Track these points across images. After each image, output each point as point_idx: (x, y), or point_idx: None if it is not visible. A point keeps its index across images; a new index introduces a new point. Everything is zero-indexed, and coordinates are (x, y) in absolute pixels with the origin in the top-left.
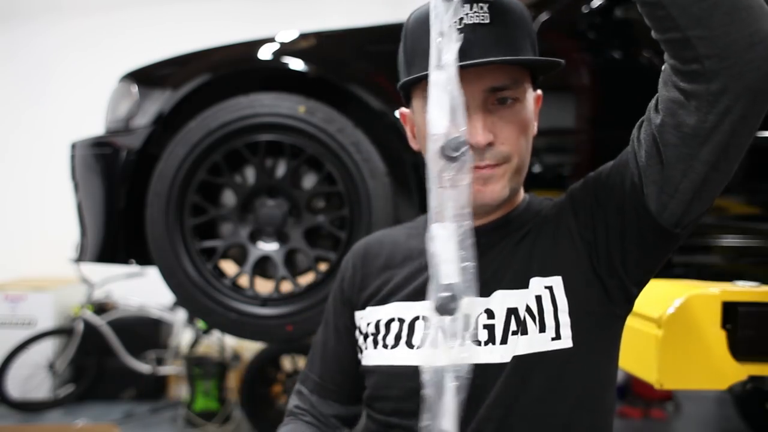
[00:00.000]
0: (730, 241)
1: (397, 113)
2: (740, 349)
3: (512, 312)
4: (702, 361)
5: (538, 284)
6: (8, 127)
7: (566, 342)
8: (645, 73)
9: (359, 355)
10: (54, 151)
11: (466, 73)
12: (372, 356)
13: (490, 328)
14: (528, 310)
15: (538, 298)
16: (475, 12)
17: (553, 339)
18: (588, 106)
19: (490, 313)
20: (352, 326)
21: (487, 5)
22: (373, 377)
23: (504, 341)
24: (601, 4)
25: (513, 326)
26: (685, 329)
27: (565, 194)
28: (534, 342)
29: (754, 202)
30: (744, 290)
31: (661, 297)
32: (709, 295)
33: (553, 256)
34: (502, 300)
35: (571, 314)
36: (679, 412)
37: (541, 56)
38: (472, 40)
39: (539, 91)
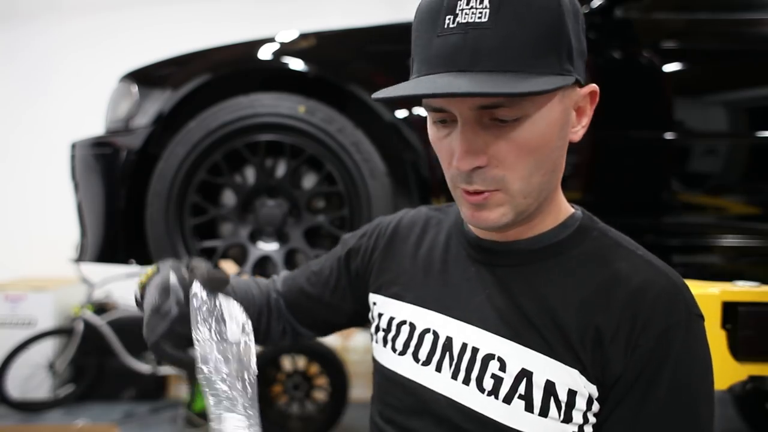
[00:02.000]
0: (730, 241)
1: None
2: (740, 349)
3: (526, 375)
4: None
5: (579, 380)
6: (8, 127)
7: None
8: (645, 73)
9: (372, 345)
10: (54, 151)
11: None
12: (380, 353)
13: (497, 380)
14: (552, 394)
15: (572, 393)
16: (471, 7)
17: None
18: None
19: (502, 363)
20: (364, 297)
21: None
22: (378, 375)
23: (507, 401)
24: (601, 4)
25: (521, 390)
26: None
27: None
28: (553, 429)
29: (754, 202)
30: (744, 290)
31: None
32: (709, 295)
33: (598, 362)
34: (517, 356)
35: (597, 416)
36: None
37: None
38: (461, 45)
39: (592, 86)
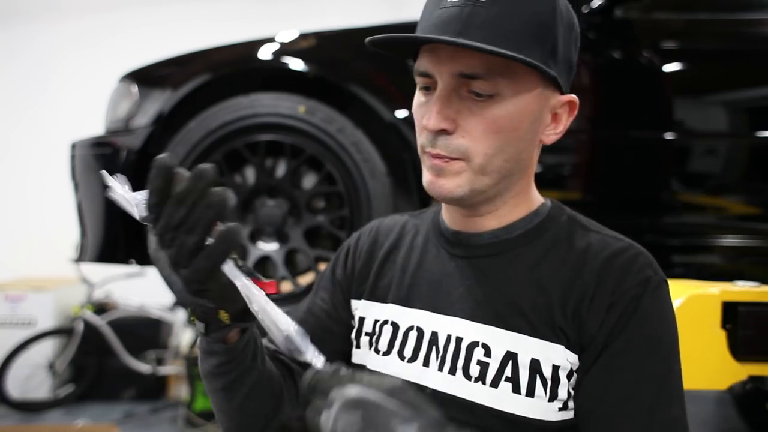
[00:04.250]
0: (730, 241)
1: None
2: (740, 349)
3: (511, 357)
4: (702, 361)
5: (562, 354)
6: (8, 127)
7: (571, 413)
8: (645, 73)
9: (352, 349)
10: (54, 151)
11: (440, 51)
12: (363, 357)
13: (484, 366)
14: (538, 372)
15: (556, 368)
16: None
17: (560, 409)
18: (588, 105)
19: (486, 349)
20: (347, 315)
21: None
22: None
23: (494, 385)
24: (601, 4)
25: (508, 372)
26: (685, 329)
27: (624, 299)
28: (541, 408)
29: (754, 202)
30: (744, 290)
31: None
32: (709, 295)
33: (578, 329)
34: (501, 339)
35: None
36: None
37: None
38: (457, 15)
39: (571, 96)
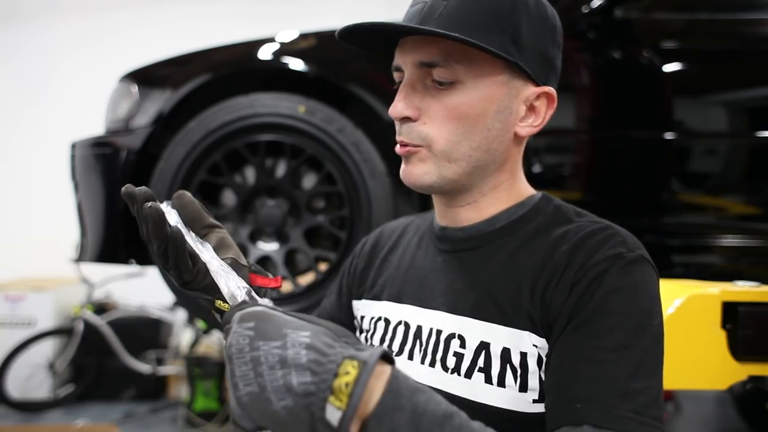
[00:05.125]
0: (730, 241)
1: None
2: (740, 349)
3: (484, 347)
4: (702, 361)
5: (527, 340)
6: (8, 127)
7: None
8: (645, 73)
9: None
10: (54, 151)
11: (405, 44)
12: None
13: (459, 357)
14: (508, 361)
15: (524, 355)
16: None
17: (535, 401)
18: (588, 105)
19: (462, 340)
20: (349, 318)
21: None
22: None
23: (468, 375)
24: (601, 4)
25: (481, 362)
26: (685, 329)
27: (589, 273)
28: (512, 399)
29: (754, 202)
30: (744, 290)
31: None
32: (709, 295)
33: (545, 310)
34: (476, 330)
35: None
36: (679, 412)
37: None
38: (420, 9)
39: (545, 87)
